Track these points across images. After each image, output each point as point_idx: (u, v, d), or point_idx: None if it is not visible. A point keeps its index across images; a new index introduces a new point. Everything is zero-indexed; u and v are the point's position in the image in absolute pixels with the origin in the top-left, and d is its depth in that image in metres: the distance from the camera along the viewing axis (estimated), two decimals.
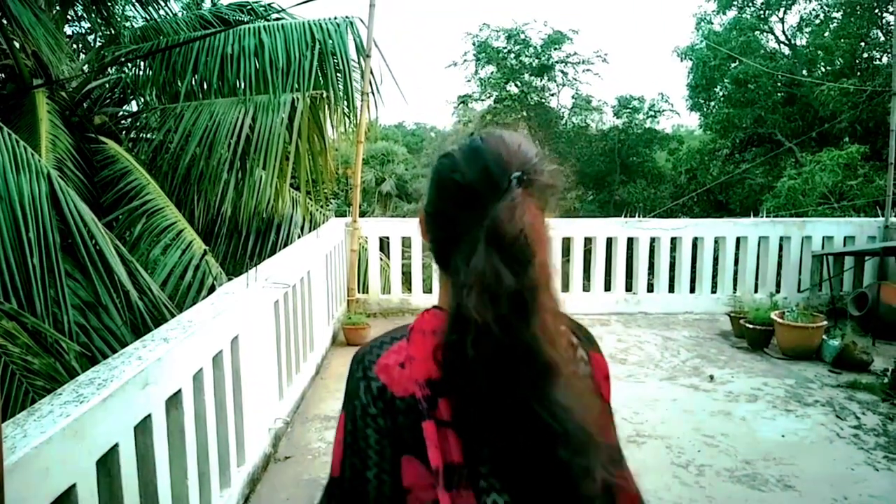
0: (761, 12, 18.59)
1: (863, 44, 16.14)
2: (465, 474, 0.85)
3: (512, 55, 22.54)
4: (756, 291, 6.66)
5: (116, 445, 1.89)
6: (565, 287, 6.84)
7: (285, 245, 6.44)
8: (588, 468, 0.83)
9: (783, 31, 18.94)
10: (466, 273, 0.83)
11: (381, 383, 0.89)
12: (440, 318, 0.89)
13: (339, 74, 6.32)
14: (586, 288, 6.92)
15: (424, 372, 0.87)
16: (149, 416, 2.10)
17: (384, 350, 0.92)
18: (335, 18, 6.33)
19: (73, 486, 1.66)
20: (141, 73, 6.65)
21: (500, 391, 0.82)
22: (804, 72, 16.95)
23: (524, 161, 0.89)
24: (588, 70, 22.50)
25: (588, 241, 6.79)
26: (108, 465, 1.87)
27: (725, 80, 17.89)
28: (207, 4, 7.69)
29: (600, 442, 0.85)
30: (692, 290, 6.84)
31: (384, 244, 6.82)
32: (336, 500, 0.91)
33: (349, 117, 6.60)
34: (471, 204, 0.88)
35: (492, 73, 22.96)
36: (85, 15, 6.88)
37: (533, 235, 0.83)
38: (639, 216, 7.04)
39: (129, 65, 6.72)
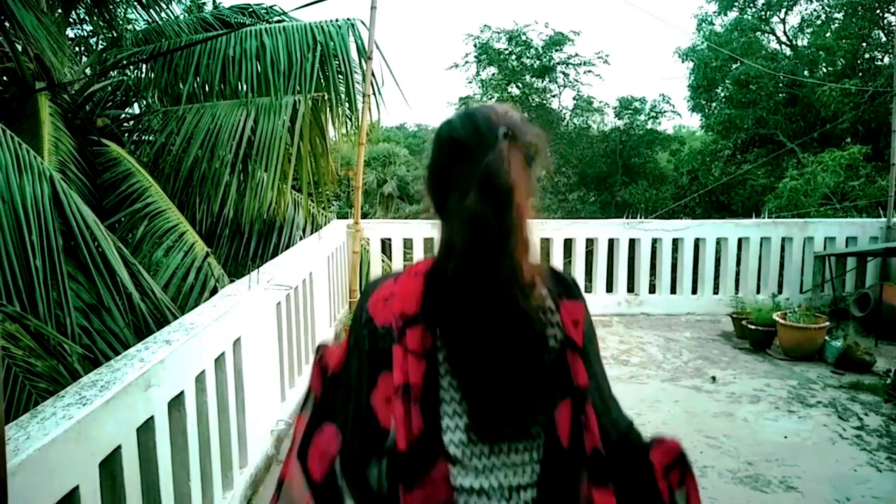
0: (762, 13, 18.57)
1: (864, 44, 16.12)
2: (420, 393, 1.01)
3: (513, 57, 22.54)
4: (758, 292, 6.65)
5: (119, 447, 1.89)
6: None
7: (287, 247, 6.45)
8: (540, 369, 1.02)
9: (784, 32, 18.93)
10: (458, 211, 0.99)
11: (368, 315, 1.08)
12: (430, 263, 1.08)
13: (340, 76, 6.33)
14: (588, 289, 6.92)
15: (401, 307, 1.05)
16: (151, 417, 2.10)
17: (378, 286, 1.12)
18: (336, 21, 6.34)
19: (76, 487, 1.66)
20: (143, 75, 6.66)
21: (470, 308, 0.99)
22: (805, 72, 16.93)
23: (510, 122, 1.05)
24: (589, 71, 22.51)
25: (590, 243, 6.79)
26: (110, 466, 1.87)
27: (727, 81, 17.88)
28: (209, 7, 7.70)
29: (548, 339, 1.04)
30: (694, 291, 6.84)
31: (386, 246, 6.83)
32: (334, 392, 1.13)
33: (351, 119, 6.61)
34: (464, 156, 1.03)
35: (493, 74, 22.96)
36: (87, 18, 6.90)
37: (516, 182, 0.98)
38: (640, 217, 7.04)
39: (132, 67, 6.74)
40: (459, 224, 0.98)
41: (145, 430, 2.09)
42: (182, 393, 2.35)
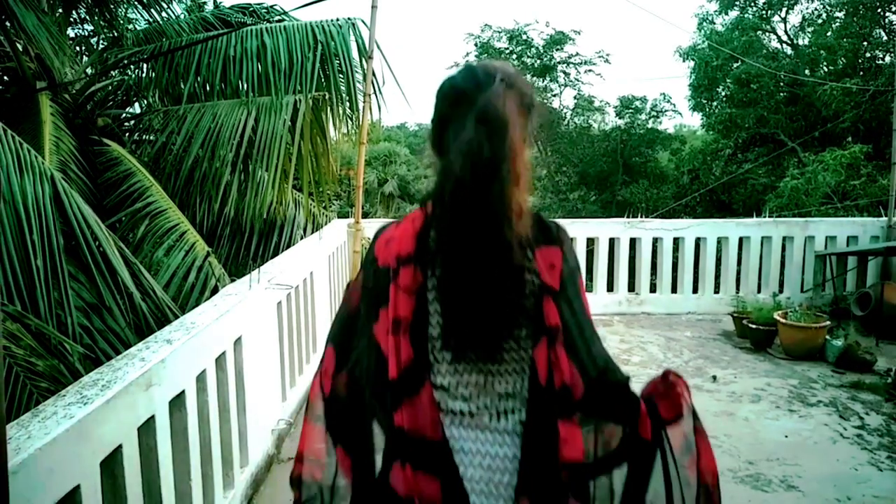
0: (763, 12, 18.54)
1: (865, 43, 16.09)
2: (409, 326, 1.14)
3: (514, 56, 22.51)
4: (759, 291, 6.65)
5: (120, 447, 1.89)
6: None
7: (288, 246, 6.45)
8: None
9: (785, 31, 18.90)
10: (456, 141, 1.09)
11: (373, 256, 1.22)
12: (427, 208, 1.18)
13: (341, 76, 6.33)
14: (589, 288, 6.92)
15: (397, 249, 1.18)
16: (152, 417, 2.11)
17: (385, 230, 1.25)
18: (337, 20, 6.34)
19: (77, 487, 1.67)
20: (144, 75, 6.66)
21: (459, 232, 1.08)
22: (807, 72, 16.90)
23: (506, 70, 1.16)
24: (590, 70, 22.48)
25: (591, 242, 6.79)
26: (111, 466, 1.88)
27: (728, 80, 17.85)
28: (210, 6, 7.70)
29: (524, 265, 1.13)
30: (695, 290, 6.83)
31: None
32: (353, 324, 1.27)
33: (351, 118, 6.61)
34: (464, 100, 1.12)
35: None
36: (88, 17, 6.90)
37: (511, 117, 1.09)
38: (641, 216, 7.03)
39: (132, 67, 6.74)
40: (456, 151, 1.07)
41: (146, 430, 2.09)
42: (183, 392, 2.36)
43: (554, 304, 1.15)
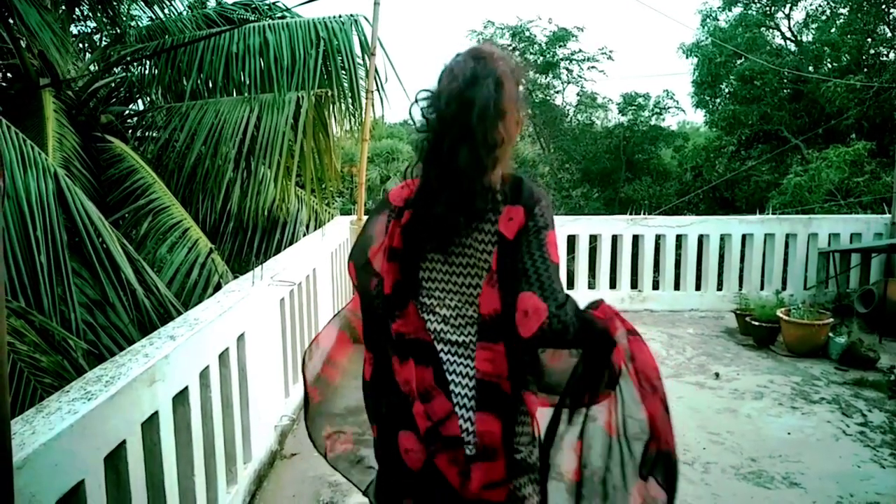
0: (767, 8, 18.47)
1: (869, 40, 16.01)
2: (399, 255, 1.48)
3: (516, 53, 22.46)
4: (762, 289, 6.64)
5: (124, 442, 1.90)
6: (570, 285, 6.84)
7: (291, 243, 6.46)
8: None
9: (789, 28, 18.83)
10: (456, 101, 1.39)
11: (387, 196, 1.55)
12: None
13: (343, 72, 6.32)
14: (591, 285, 6.92)
15: (406, 194, 1.51)
16: (156, 413, 2.11)
17: (405, 182, 1.55)
18: (339, 17, 6.34)
19: (82, 482, 1.67)
20: (146, 71, 6.67)
21: (441, 169, 1.40)
22: (810, 68, 16.83)
23: (496, 53, 1.44)
24: (593, 67, 22.42)
25: (593, 239, 6.78)
26: (115, 461, 1.89)
27: (731, 77, 17.79)
28: (212, 3, 7.71)
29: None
30: (698, 287, 6.82)
31: None
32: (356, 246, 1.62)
33: (354, 115, 6.61)
34: (460, 100, 1.38)
35: None
36: (91, 14, 6.90)
37: (507, 105, 1.40)
38: (644, 213, 7.02)
39: (135, 64, 6.75)
40: (453, 106, 1.37)
41: (150, 426, 2.10)
42: (186, 388, 2.36)
43: (500, 251, 1.40)
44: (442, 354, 1.49)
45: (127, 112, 7.20)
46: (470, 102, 1.35)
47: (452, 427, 1.44)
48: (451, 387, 1.47)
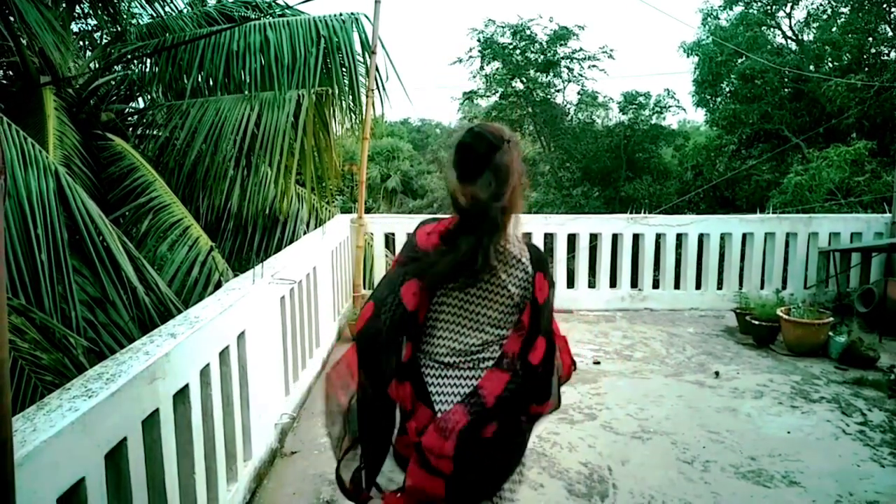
0: (768, 7, 18.45)
1: (870, 39, 16.00)
2: (425, 290, 1.75)
3: (517, 51, 22.43)
4: (762, 288, 6.64)
5: (124, 439, 1.91)
6: (571, 283, 6.84)
7: (291, 241, 6.46)
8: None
9: (790, 27, 18.81)
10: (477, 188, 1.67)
11: (416, 241, 1.79)
12: (453, 219, 1.74)
13: (344, 71, 6.32)
14: (592, 284, 6.93)
15: (434, 241, 1.74)
16: (156, 410, 2.12)
17: (427, 224, 1.82)
18: (340, 15, 6.33)
19: (82, 479, 1.68)
20: (147, 69, 6.67)
21: (469, 234, 1.68)
22: (811, 67, 16.81)
23: (509, 135, 1.75)
24: (594, 66, 22.39)
25: (594, 238, 6.78)
26: (116, 458, 1.89)
27: (732, 76, 17.78)
28: (212, 1, 7.70)
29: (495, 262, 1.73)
30: (698, 286, 6.82)
31: (389, 240, 6.84)
32: (382, 285, 1.80)
33: (355, 113, 6.61)
34: (484, 161, 1.70)
35: (497, 69, 22.85)
36: (91, 12, 6.90)
37: (515, 168, 1.71)
38: (644, 212, 7.02)
39: (136, 62, 6.74)
40: (474, 196, 1.67)
41: (150, 423, 2.10)
42: (187, 386, 2.37)
43: (531, 310, 1.81)
44: (425, 369, 1.82)
45: (127, 110, 7.20)
46: (507, 175, 1.70)
47: (430, 438, 1.74)
48: (434, 398, 1.79)
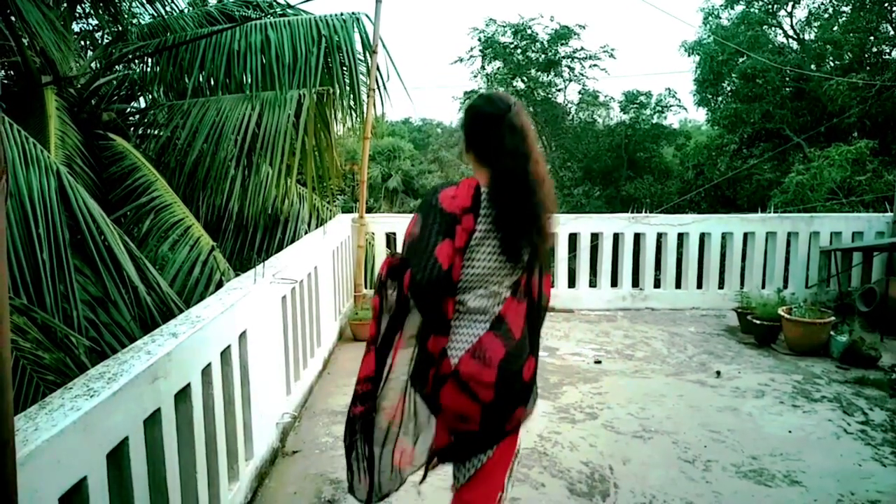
0: (769, 6, 18.44)
1: (872, 38, 15.99)
2: (461, 252, 1.83)
3: (518, 50, 22.45)
4: (763, 287, 6.63)
5: (126, 439, 1.91)
6: (572, 283, 6.84)
7: (292, 241, 6.46)
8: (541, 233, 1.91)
9: (791, 26, 18.80)
10: (502, 148, 1.84)
11: (441, 205, 1.84)
12: (477, 180, 1.88)
13: (345, 70, 6.32)
14: (593, 283, 6.92)
15: (461, 203, 1.83)
16: (158, 409, 2.12)
17: (444, 188, 1.88)
18: (341, 14, 6.33)
19: (84, 478, 1.68)
20: (148, 69, 6.67)
21: (515, 200, 1.83)
22: (812, 66, 16.80)
23: (513, 99, 1.92)
24: (595, 65, 22.41)
25: (595, 237, 6.78)
26: (118, 458, 1.89)
27: (733, 75, 17.78)
28: (213, 0, 7.70)
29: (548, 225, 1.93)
30: (699, 285, 6.82)
31: (391, 240, 6.84)
32: (414, 249, 1.85)
33: (356, 113, 6.61)
34: (495, 122, 1.86)
35: (498, 68, 22.88)
36: (92, 12, 6.91)
37: (528, 125, 1.91)
38: (646, 212, 7.02)
39: (137, 61, 6.75)
40: (505, 154, 1.84)
41: (152, 422, 2.10)
42: (188, 385, 2.37)
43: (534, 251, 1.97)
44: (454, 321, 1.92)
45: (129, 110, 7.21)
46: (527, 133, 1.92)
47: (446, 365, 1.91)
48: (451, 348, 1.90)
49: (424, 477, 2.10)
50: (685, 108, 25.34)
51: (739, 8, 18.60)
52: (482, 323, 1.89)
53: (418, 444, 2.00)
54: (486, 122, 1.88)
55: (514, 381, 1.88)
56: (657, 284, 6.93)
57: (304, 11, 6.81)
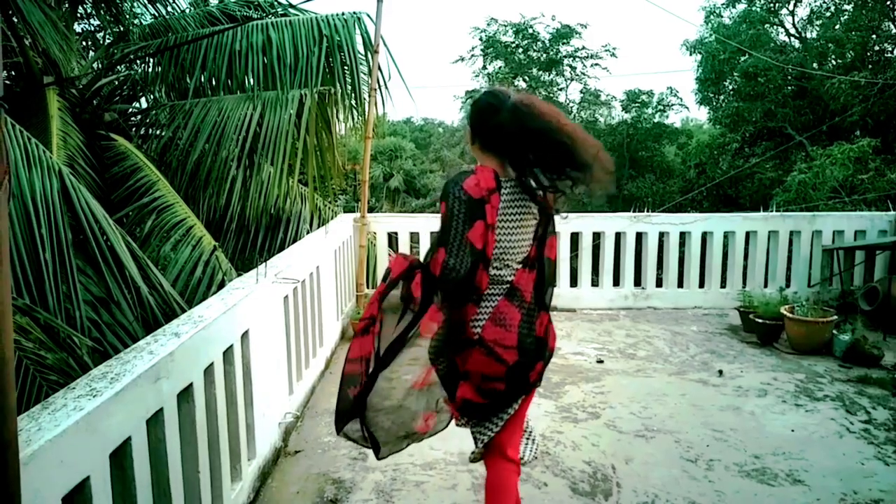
0: (771, 5, 18.43)
1: (874, 36, 15.97)
2: (493, 228, 2.02)
3: (520, 50, 22.45)
4: (766, 286, 6.62)
5: (129, 439, 1.91)
6: (574, 282, 6.84)
7: (294, 241, 6.47)
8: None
9: (793, 24, 18.78)
10: (503, 132, 2.04)
11: (466, 193, 1.98)
12: (491, 166, 2.08)
13: (346, 70, 6.32)
14: (595, 283, 6.92)
15: (486, 186, 2.00)
16: (161, 409, 2.12)
17: (466, 177, 2.01)
18: (342, 14, 6.34)
19: (87, 478, 1.68)
20: (150, 69, 6.68)
21: (535, 158, 2.06)
22: (814, 65, 16.78)
23: (513, 92, 2.11)
24: (596, 64, 22.40)
25: (597, 236, 6.77)
26: (120, 458, 1.89)
27: (735, 74, 17.76)
28: (215, 0, 7.71)
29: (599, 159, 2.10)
30: (701, 284, 6.81)
31: (392, 240, 6.84)
32: (446, 238, 1.99)
33: (357, 112, 6.61)
34: (497, 110, 2.06)
35: (499, 67, 22.87)
36: (94, 12, 6.92)
37: (538, 103, 2.07)
38: (648, 211, 7.01)
39: (138, 62, 6.76)
40: (514, 134, 2.03)
41: (155, 422, 2.11)
42: (191, 385, 2.37)
43: (544, 222, 2.19)
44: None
45: (130, 110, 7.22)
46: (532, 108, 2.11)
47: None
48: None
49: (455, 424, 2.33)
50: (687, 107, 25.33)
51: (741, 6, 18.59)
52: (498, 294, 2.10)
53: (440, 414, 2.27)
54: (488, 111, 2.08)
55: (531, 339, 2.10)
56: (659, 283, 6.92)
57: (305, 11, 6.81)
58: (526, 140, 2.02)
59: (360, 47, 6.28)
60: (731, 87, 18.46)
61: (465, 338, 2.09)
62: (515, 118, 2.01)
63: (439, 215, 2.05)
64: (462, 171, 2.08)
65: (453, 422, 2.32)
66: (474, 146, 2.17)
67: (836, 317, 5.26)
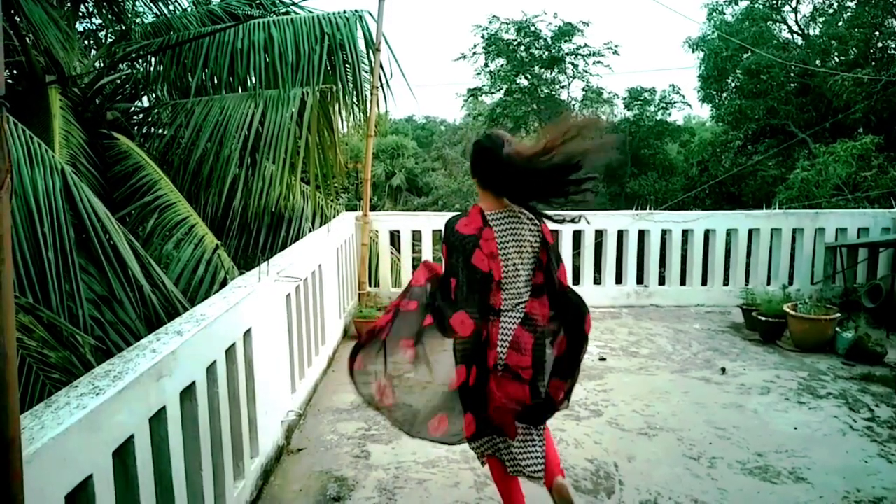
0: (774, 2, 18.37)
1: (877, 33, 15.90)
2: (496, 256, 2.37)
3: (522, 48, 22.39)
4: (768, 284, 6.61)
5: (132, 437, 1.91)
6: (576, 280, 6.83)
7: (296, 239, 6.47)
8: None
9: (796, 21, 18.71)
10: (499, 170, 2.39)
11: (459, 233, 2.38)
12: (488, 199, 2.45)
13: (348, 68, 6.32)
14: (597, 281, 6.91)
15: (475, 225, 2.38)
16: (163, 407, 2.12)
17: (458, 220, 2.41)
18: (344, 12, 6.34)
19: (90, 476, 1.69)
20: (152, 68, 6.69)
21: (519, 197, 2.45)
22: (817, 62, 16.72)
23: (508, 136, 2.46)
24: (599, 62, 22.33)
25: (599, 234, 6.77)
26: (123, 455, 1.90)
27: (737, 71, 17.70)
28: None
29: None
30: (704, 282, 6.80)
31: (394, 238, 6.84)
32: (451, 270, 2.39)
33: (359, 110, 6.61)
34: (495, 155, 2.39)
35: (501, 65, 22.82)
36: (96, 11, 6.93)
37: (521, 149, 2.39)
38: (650, 209, 7.00)
39: (140, 60, 6.77)
40: (505, 171, 2.36)
41: (157, 420, 2.11)
42: (194, 383, 2.37)
43: (546, 251, 2.48)
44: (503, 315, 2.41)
45: (133, 109, 7.22)
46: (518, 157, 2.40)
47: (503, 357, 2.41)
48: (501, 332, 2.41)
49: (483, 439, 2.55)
50: (689, 105, 25.23)
51: (744, 3, 18.53)
52: (515, 320, 2.41)
53: (454, 420, 2.48)
54: (484, 153, 2.45)
55: (543, 359, 2.43)
56: (662, 281, 6.92)
57: (307, 9, 6.81)
58: (515, 179, 2.35)
59: (361, 45, 6.28)
60: (733, 85, 18.40)
61: (489, 362, 2.39)
62: (506, 162, 2.33)
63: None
64: (455, 214, 2.48)
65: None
66: (475, 180, 2.52)
67: (839, 314, 5.25)
